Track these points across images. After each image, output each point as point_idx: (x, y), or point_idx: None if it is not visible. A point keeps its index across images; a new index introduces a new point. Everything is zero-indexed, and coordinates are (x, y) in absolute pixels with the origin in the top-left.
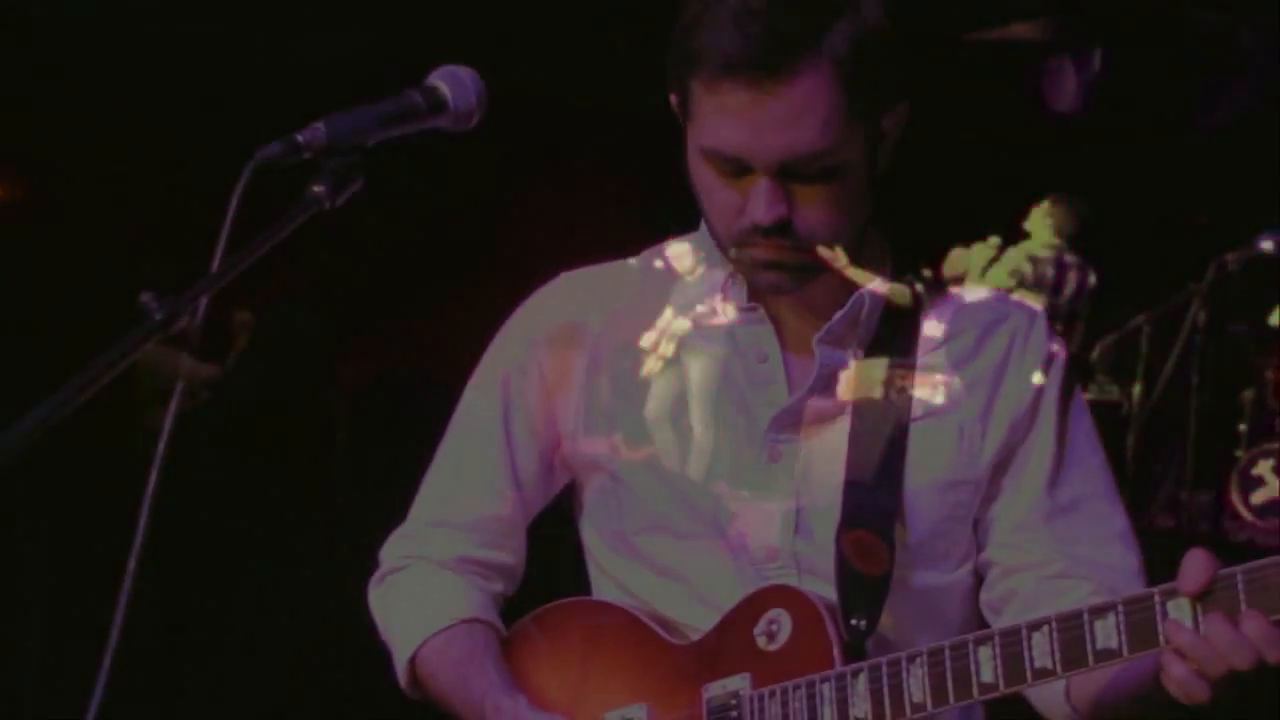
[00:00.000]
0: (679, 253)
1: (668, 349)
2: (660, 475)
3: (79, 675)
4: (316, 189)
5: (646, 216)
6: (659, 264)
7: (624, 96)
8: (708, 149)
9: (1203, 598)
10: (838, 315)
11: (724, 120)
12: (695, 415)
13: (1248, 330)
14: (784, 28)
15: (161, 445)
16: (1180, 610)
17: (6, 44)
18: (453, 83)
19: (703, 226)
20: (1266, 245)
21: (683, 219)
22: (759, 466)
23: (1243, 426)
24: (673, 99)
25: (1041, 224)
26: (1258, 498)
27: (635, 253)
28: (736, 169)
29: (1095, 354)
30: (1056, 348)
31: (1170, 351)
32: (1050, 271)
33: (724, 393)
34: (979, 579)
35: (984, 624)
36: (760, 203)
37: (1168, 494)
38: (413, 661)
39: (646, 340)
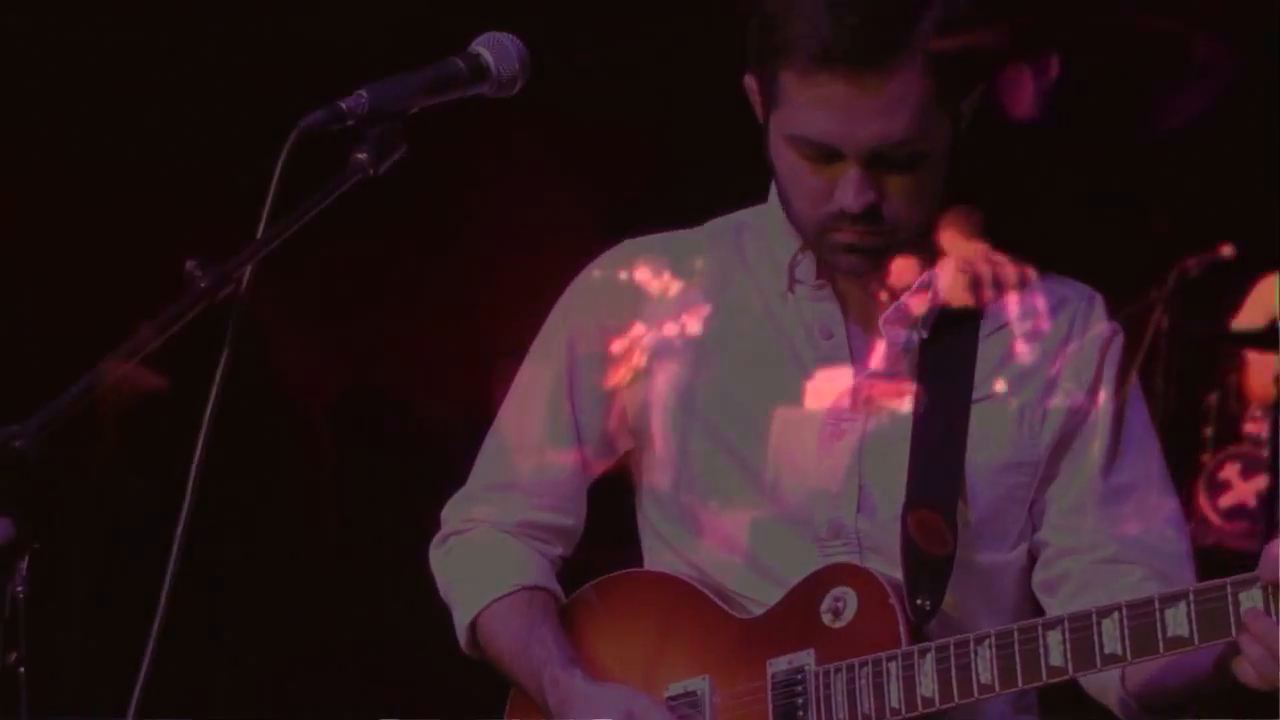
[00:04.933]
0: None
1: (703, 323)
2: (721, 444)
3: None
4: (360, 156)
5: (614, 226)
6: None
7: (586, 107)
8: (797, 136)
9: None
10: (905, 296)
11: (818, 110)
12: (752, 381)
13: (1210, 335)
14: (879, 19)
15: (200, 444)
16: (1253, 600)
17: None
18: (495, 49)
19: (771, 200)
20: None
21: (650, 225)
22: (823, 444)
23: (1208, 431)
24: (750, 82)
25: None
26: (1224, 501)
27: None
28: (825, 156)
29: None
30: (1114, 331)
31: (1134, 357)
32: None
33: (783, 365)
34: (1032, 558)
35: (1036, 603)
36: (850, 190)
37: None
38: (473, 625)
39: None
